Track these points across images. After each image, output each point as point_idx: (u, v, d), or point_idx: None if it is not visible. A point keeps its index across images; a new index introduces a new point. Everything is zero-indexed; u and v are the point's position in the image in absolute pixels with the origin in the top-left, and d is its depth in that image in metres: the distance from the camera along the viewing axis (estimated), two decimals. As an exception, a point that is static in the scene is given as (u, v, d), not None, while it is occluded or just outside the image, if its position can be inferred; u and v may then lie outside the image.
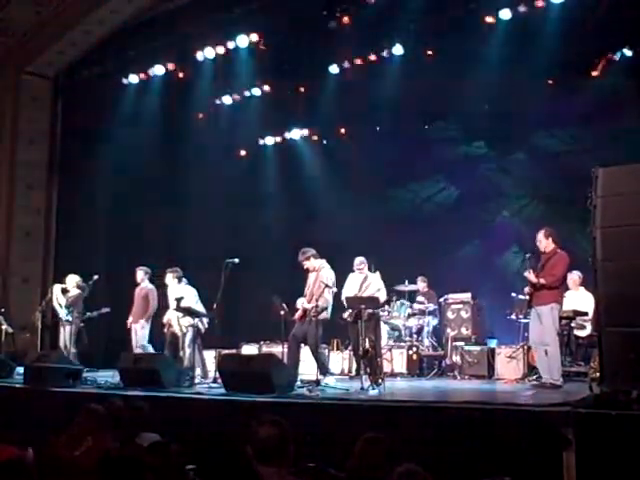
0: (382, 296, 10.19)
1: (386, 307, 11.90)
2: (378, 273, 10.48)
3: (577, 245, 10.10)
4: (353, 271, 10.43)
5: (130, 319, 12.07)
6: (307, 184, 15.74)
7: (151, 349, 11.90)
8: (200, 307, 11.00)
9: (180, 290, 11.22)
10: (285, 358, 9.69)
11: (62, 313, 12.29)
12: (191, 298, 11.08)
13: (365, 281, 10.22)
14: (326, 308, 9.65)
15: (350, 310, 9.84)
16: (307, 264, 10.01)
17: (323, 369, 9.65)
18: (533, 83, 12.79)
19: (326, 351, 11.23)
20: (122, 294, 12.59)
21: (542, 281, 8.99)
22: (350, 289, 10.26)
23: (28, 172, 15.56)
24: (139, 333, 11.99)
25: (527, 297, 9.32)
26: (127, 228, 14.96)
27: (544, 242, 9.27)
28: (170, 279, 11.42)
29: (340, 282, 10.15)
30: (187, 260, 13.58)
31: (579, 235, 10.08)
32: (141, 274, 12.23)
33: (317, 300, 9.50)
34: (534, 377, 9.77)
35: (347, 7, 12.46)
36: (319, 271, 9.90)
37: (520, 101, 13.05)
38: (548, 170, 13.17)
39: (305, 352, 10.28)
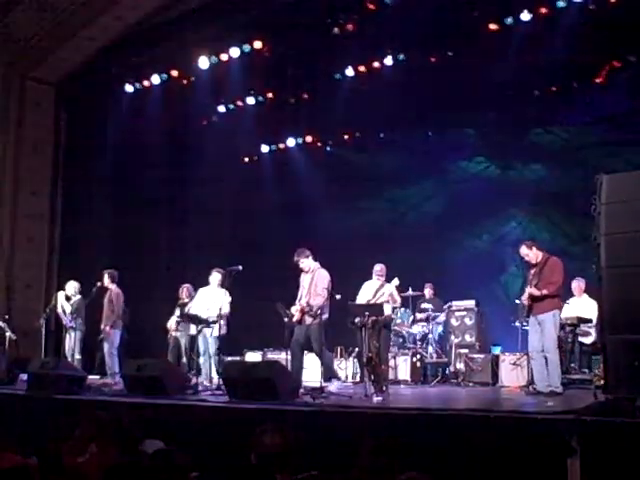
0: (395, 303, 10.22)
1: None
2: (396, 279, 10.49)
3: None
4: (369, 278, 10.45)
5: (102, 325, 11.91)
6: (309, 190, 15.75)
7: (116, 360, 11.66)
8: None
9: (217, 293, 11.14)
10: (289, 365, 9.68)
11: (66, 320, 12.26)
12: (226, 304, 10.98)
13: (380, 289, 10.21)
14: (324, 307, 9.64)
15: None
16: (303, 263, 9.96)
17: (328, 372, 9.64)
18: (536, 89, 12.88)
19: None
20: (125, 299, 12.57)
21: (545, 292, 8.97)
22: (364, 296, 10.25)
23: (31, 178, 15.58)
24: (107, 340, 11.79)
25: (526, 306, 9.30)
26: (130, 234, 14.97)
27: (531, 254, 9.27)
28: (215, 279, 11.30)
29: (343, 287, 10.14)
30: (188, 265, 13.62)
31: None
32: (106, 277, 11.95)
33: (315, 300, 9.53)
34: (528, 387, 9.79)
35: (350, 14, 12.49)
36: (315, 272, 9.88)
37: (523, 107, 13.11)
38: (555, 177, 13.21)
39: (308, 358, 10.27)
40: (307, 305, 9.59)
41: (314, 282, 9.73)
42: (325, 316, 9.67)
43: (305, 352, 10.00)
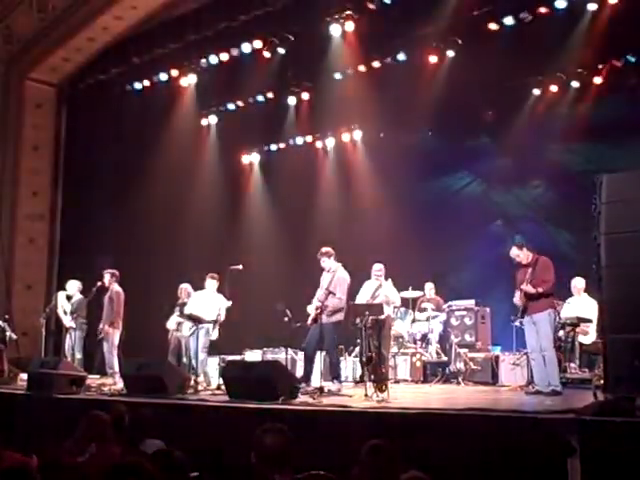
0: (393, 303, 10.23)
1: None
2: (390, 280, 10.48)
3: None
4: (369, 278, 10.45)
5: (101, 325, 11.82)
6: (310, 190, 15.76)
7: (116, 360, 11.55)
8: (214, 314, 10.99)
9: (214, 298, 11.16)
10: (289, 365, 9.69)
11: (66, 320, 12.24)
12: (224, 309, 11.00)
13: (378, 289, 10.21)
14: (341, 309, 9.68)
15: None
16: (325, 263, 9.98)
17: (333, 372, 9.66)
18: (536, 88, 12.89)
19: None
20: (126, 300, 12.56)
21: (540, 290, 9.01)
22: (363, 296, 10.26)
23: (32, 178, 15.62)
24: (106, 339, 11.65)
25: (520, 306, 9.31)
26: (131, 234, 14.97)
27: (522, 254, 9.29)
28: (211, 284, 11.27)
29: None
30: (189, 266, 13.61)
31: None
32: (108, 277, 11.85)
33: (332, 300, 9.55)
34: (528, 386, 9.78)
35: (350, 14, 12.49)
36: (335, 272, 9.89)
37: (522, 106, 13.12)
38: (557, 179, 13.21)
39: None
40: (323, 304, 9.61)
41: (333, 282, 9.76)
42: (341, 317, 9.70)
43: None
